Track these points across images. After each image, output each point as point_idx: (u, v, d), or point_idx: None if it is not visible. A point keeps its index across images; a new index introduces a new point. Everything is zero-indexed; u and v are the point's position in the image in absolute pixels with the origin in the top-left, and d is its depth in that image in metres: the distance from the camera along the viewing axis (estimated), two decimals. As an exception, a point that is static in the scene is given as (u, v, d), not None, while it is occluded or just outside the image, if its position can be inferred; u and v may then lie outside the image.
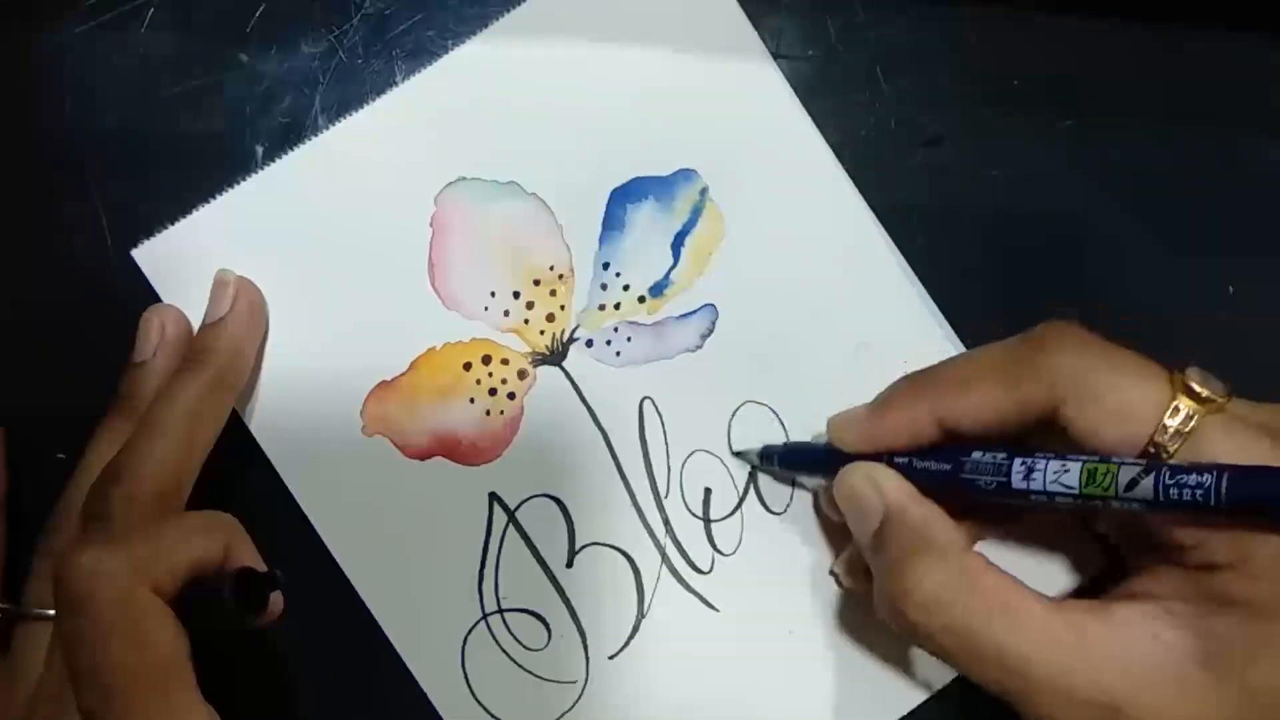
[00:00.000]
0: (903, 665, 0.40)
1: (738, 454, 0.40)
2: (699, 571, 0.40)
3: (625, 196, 0.41)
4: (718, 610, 0.40)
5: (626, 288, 0.41)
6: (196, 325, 0.39)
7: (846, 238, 0.41)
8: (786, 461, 0.40)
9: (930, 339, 0.40)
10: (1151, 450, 0.32)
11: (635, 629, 0.40)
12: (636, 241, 0.41)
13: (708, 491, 0.40)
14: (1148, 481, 0.30)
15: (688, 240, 0.41)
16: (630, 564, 0.40)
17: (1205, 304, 0.41)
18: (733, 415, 0.40)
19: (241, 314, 0.39)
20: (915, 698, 0.40)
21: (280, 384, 0.40)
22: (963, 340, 0.40)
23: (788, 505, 0.40)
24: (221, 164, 0.41)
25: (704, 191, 0.41)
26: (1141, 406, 0.32)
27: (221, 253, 0.40)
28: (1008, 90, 0.41)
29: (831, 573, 0.40)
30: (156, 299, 0.40)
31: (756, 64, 0.41)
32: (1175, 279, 0.41)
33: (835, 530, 0.40)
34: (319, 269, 0.40)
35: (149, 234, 0.40)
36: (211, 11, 0.41)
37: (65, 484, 0.38)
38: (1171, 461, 0.31)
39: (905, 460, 0.35)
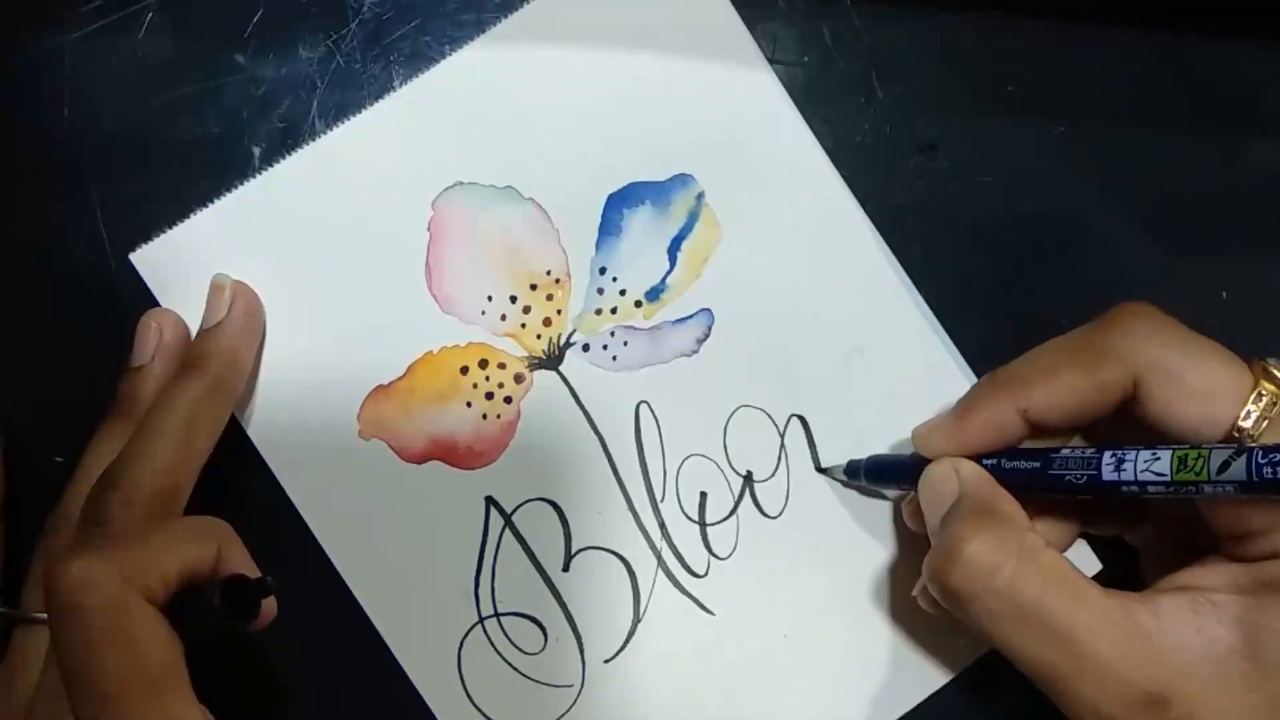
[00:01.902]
0: (897, 669, 0.40)
1: (822, 470, 0.40)
2: (695, 575, 0.40)
3: (622, 201, 0.41)
4: (713, 614, 0.40)
5: (623, 292, 0.41)
6: (194, 329, 0.40)
7: (842, 242, 0.41)
8: (873, 475, 0.39)
9: (925, 343, 0.41)
10: (1235, 435, 0.32)
11: (631, 633, 0.40)
12: (633, 246, 0.41)
13: (703, 496, 0.40)
14: (1240, 463, 0.30)
15: (684, 245, 0.41)
16: (626, 568, 0.40)
17: (1201, 307, 0.41)
18: (728, 419, 0.41)
19: (239, 319, 0.39)
20: (909, 701, 0.40)
21: (277, 388, 0.40)
22: (957, 345, 0.40)
23: (783, 510, 0.40)
24: (219, 168, 0.41)
25: (700, 196, 0.41)
26: (1223, 388, 0.32)
27: (219, 257, 0.40)
28: (1002, 95, 0.41)
29: (914, 596, 0.38)
30: (154, 303, 0.40)
31: (752, 69, 0.41)
32: (1170, 282, 0.41)
33: (833, 534, 0.40)
34: (316, 273, 0.40)
35: (147, 238, 0.40)
36: (210, 16, 0.41)
37: (64, 487, 0.38)
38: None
39: (994, 461, 0.35)
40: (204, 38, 0.41)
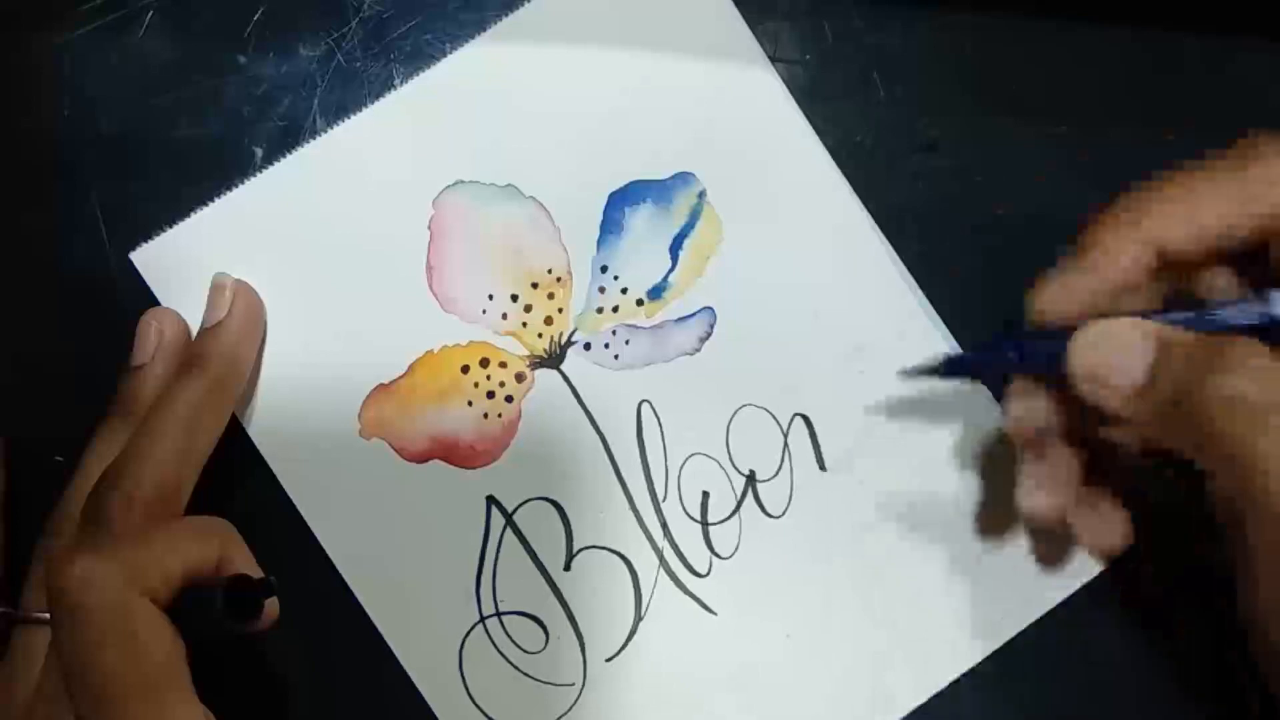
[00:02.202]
0: (899, 669, 0.40)
1: (905, 373, 0.38)
2: (696, 575, 0.40)
3: (623, 200, 0.41)
4: (715, 613, 0.40)
5: (624, 291, 0.41)
6: (195, 328, 0.39)
7: (843, 241, 0.41)
8: (976, 366, 0.36)
9: (926, 341, 0.40)
10: None
11: (633, 632, 0.40)
12: (634, 244, 0.41)
13: (705, 495, 0.40)
14: None
15: (686, 243, 0.41)
16: (628, 567, 0.40)
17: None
18: (731, 418, 0.40)
19: (240, 318, 0.39)
20: (912, 701, 0.40)
21: (278, 387, 0.40)
22: (958, 344, 0.40)
23: (785, 509, 0.40)
24: (220, 167, 0.41)
25: (702, 195, 0.41)
26: None
27: (220, 256, 0.40)
28: (1003, 95, 0.41)
29: (1018, 508, 0.35)
30: (155, 302, 0.40)
31: (754, 68, 0.41)
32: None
33: (836, 534, 0.40)
34: (317, 272, 0.40)
35: (147, 237, 0.40)
36: (210, 15, 0.41)
37: (64, 487, 0.38)
38: None
39: (1191, 314, 0.31)
40: (204, 37, 0.41)
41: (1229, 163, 0.31)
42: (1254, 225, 0.30)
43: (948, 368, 0.37)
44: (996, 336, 0.35)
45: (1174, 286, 0.33)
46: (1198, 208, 0.31)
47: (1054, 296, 0.33)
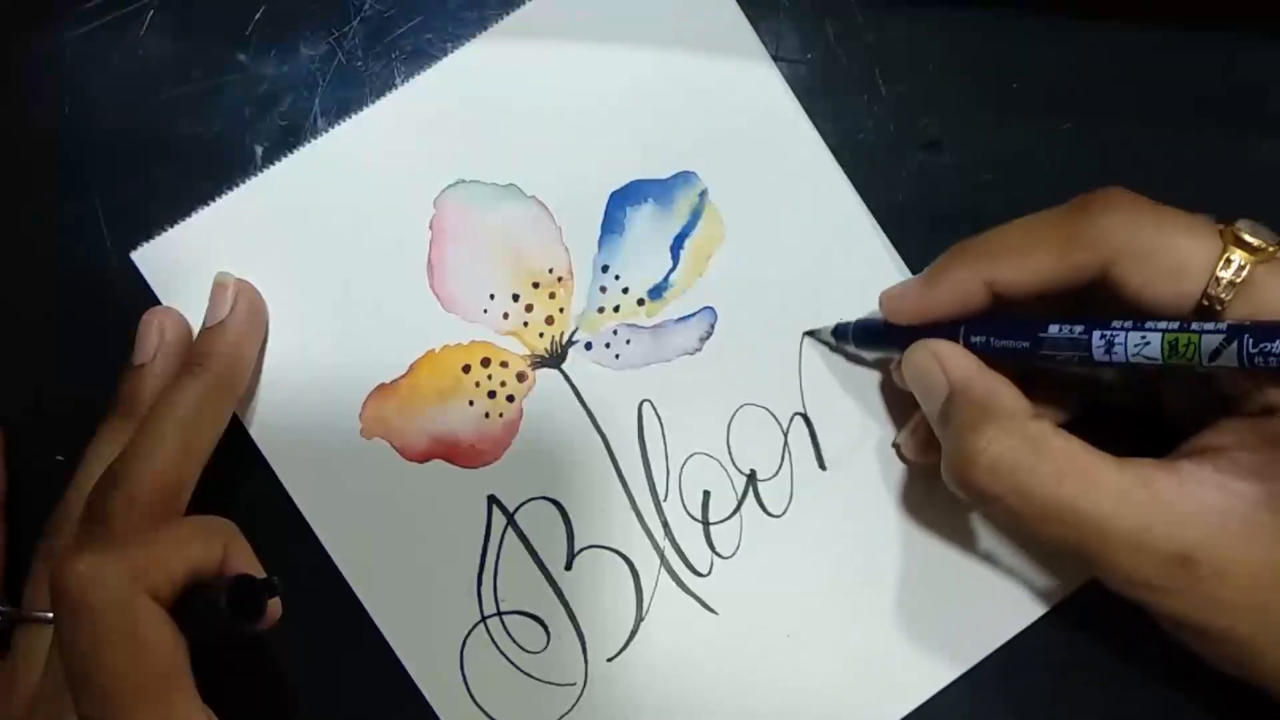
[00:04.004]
0: (901, 668, 0.40)
1: (809, 334, 0.40)
2: (698, 574, 0.40)
3: (624, 199, 0.41)
4: (716, 613, 0.40)
5: (625, 290, 0.41)
6: (196, 328, 0.39)
7: (845, 240, 0.41)
8: (860, 338, 0.39)
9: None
10: (1205, 303, 0.32)
11: (634, 631, 0.40)
12: (636, 244, 0.41)
13: (706, 494, 0.40)
14: (1231, 350, 0.30)
15: (687, 243, 0.41)
16: (629, 567, 0.40)
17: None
18: (732, 418, 0.40)
19: (241, 317, 0.39)
20: (914, 700, 0.40)
21: (279, 386, 0.40)
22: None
23: (786, 508, 0.40)
24: (221, 166, 0.41)
25: (703, 194, 0.41)
26: (1193, 260, 0.33)
27: (221, 255, 0.40)
28: (1006, 93, 0.41)
29: (894, 445, 0.40)
30: (156, 301, 0.40)
31: (756, 66, 0.41)
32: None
33: (837, 533, 0.40)
34: (318, 271, 0.40)
35: (148, 236, 0.40)
36: (211, 14, 0.41)
37: (64, 486, 0.38)
38: (1240, 320, 0.31)
39: (983, 339, 0.36)
40: (205, 36, 0.41)
41: (1060, 215, 0.35)
42: (1072, 274, 0.34)
43: (838, 335, 0.40)
44: (847, 325, 0.40)
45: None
46: (1026, 254, 0.35)
47: (895, 302, 0.38)
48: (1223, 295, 0.32)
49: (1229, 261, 0.32)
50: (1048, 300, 0.35)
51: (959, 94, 0.41)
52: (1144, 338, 0.32)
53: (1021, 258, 0.35)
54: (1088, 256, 0.34)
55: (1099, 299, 0.34)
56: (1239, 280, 0.32)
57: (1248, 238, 0.32)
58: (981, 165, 0.41)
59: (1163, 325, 0.32)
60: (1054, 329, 0.34)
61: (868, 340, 0.39)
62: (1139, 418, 0.38)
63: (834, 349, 0.41)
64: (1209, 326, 0.31)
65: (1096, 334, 0.33)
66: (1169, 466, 0.33)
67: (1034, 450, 0.33)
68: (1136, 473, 0.33)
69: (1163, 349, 0.32)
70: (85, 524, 0.34)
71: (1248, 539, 0.32)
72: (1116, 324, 0.33)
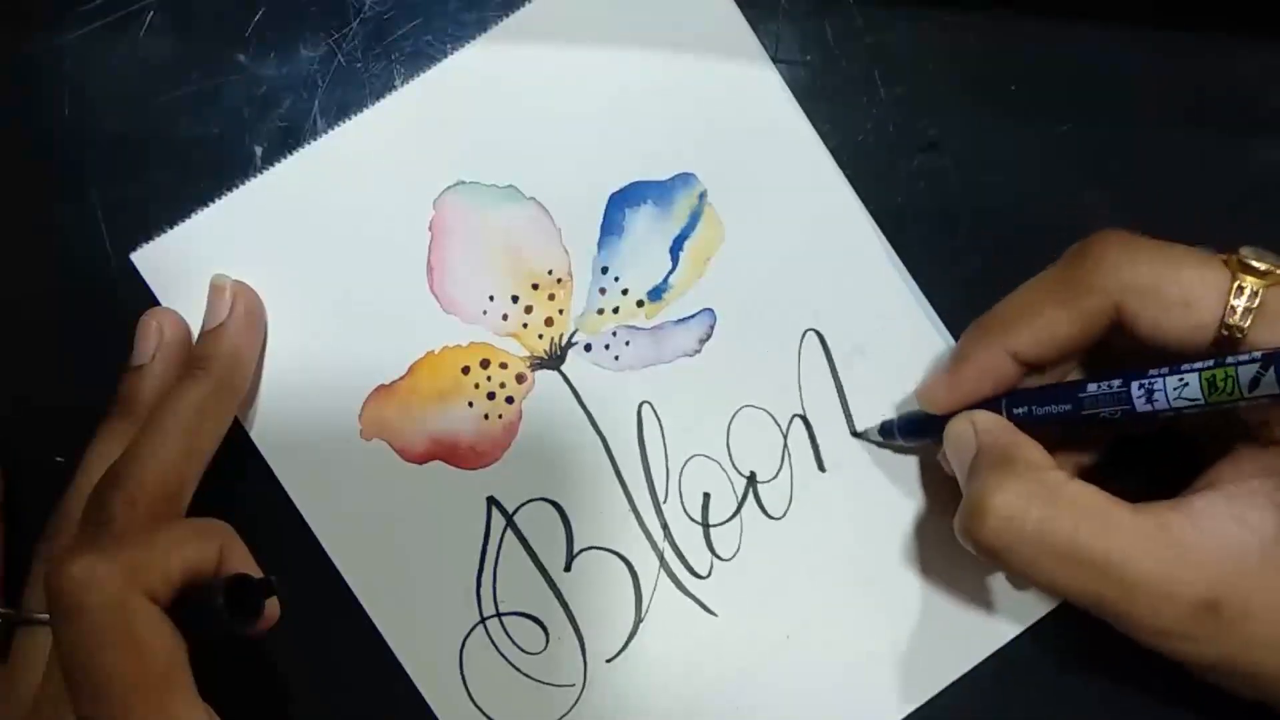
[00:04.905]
0: (900, 670, 0.40)
1: (857, 434, 0.41)
2: (697, 576, 0.40)
3: (624, 200, 0.41)
4: (716, 615, 0.40)
5: (625, 292, 0.41)
6: (195, 329, 0.39)
7: (844, 242, 0.41)
8: (906, 432, 0.39)
9: (927, 343, 0.41)
10: (1224, 333, 0.32)
11: (633, 633, 0.40)
12: (635, 245, 0.41)
13: (706, 496, 0.40)
14: (1270, 376, 0.30)
15: (686, 244, 0.41)
16: (628, 568, 0.40)
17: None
18: (731, 420, 0.40)
19: (241, 319, 0.39)
20: (913, 702, 0.40)
21: (278, 388, 0.40)
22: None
23: (786, 511, 0.40)
24: (220, 167, 0.41)
25: (702, 196, 0.41)
26: (1203, 292, 0.32)
27: (220, 256, 0.40)
28: (1005, 95, 0.41)
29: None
30: (155, 302, 0.40)
31: (755, 68, 0.41)
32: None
33: (837, 535, 0.40)
34: (318, 272, 0.40)
35: (148, 237, 0.40)
36: (211, 15, 0.41)
37: (64, 487, 0.38)
38: (1267, 346, 0.31)
39: (1025, 409, 0.35)
40: (204, 37, 0.41)
41: (1060, 267, 0.35)
42: (1085, 323, 0.34)
43: (885, 433, 0.40)
44: (892, 422, 0.40)
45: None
46: (1035, 317, 0.35)
47: (930, 394, 0.37)
48: (1241, 324, 0.32)
49: (1241, 289, 0.32)
50: (1082, 365, 0.35)
51: (958, 95, 0.41)
52: (1182, 380, 0.32)
53: (1034, 319, 0.35)
54: (1095, 301, 0.33)
55: (1135, 358, 0.34)
56: (1254, 306, 0.32)
57: (1254, 263, 0.32)
58: (980, 166, 0.41)
59: (1198, 365, 0.31)
60: (1092, 387, 0.34)
61: (913, 432, 0.39)
62: (1154, 443, 0.38)
63: (882, 445, 0.40)
64: (1243, 357, 0.31)
65: (1135, 385, 0.33)
66: (1182, 507, 0.32)
67: (1049, 497, 0.32)
68: (1153, 517, 0.32)
69: (1203, 388, 0.31)
70: (85, 525, 0.34)
71: (1267, 573, 0.31)
72: (1153, 372, 0.32)
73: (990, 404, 0.36)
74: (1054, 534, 0.32)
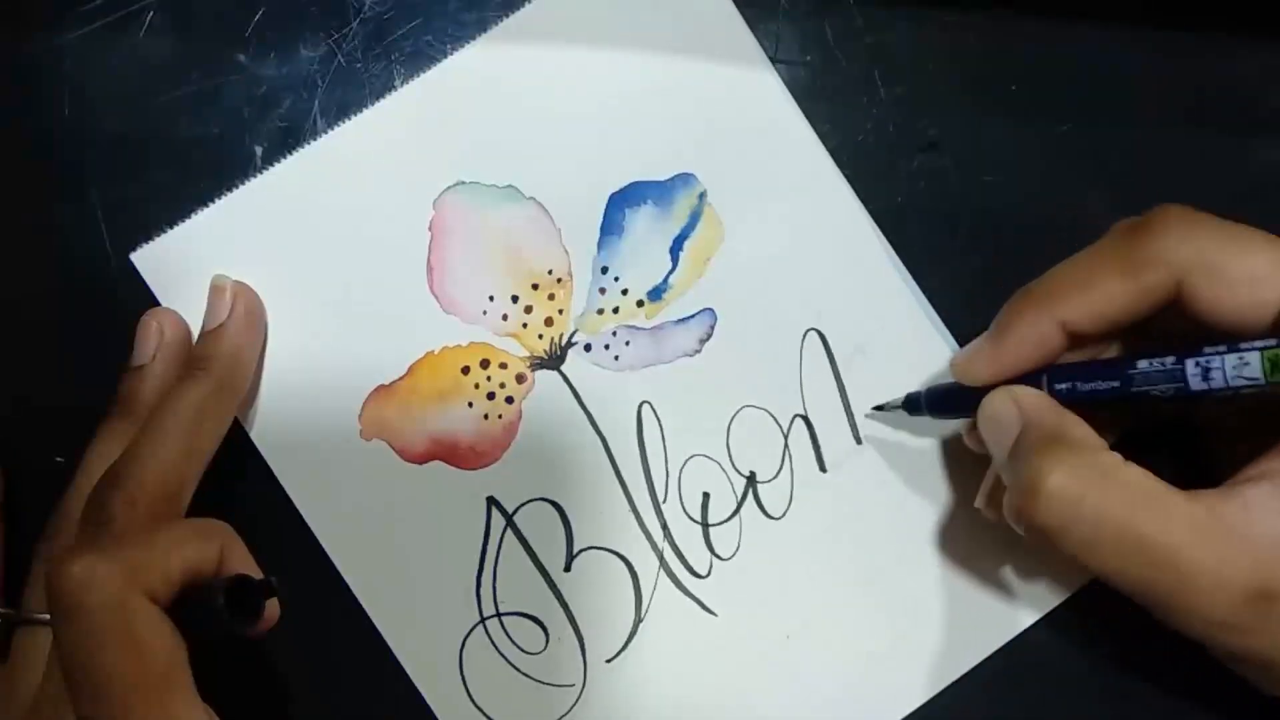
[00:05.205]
0: (900, 671, 0.40)
1: (877, 408, 0.40)
2: (697, 576, 0.40)
3: (624, 201, 0.41)
4: (715, 615, 0.40)
5: (625, 292, 0.41)
6: (195, 329, 0.39)
7: (844, 242, 0.41)
8: (934, 406, 0.38)
9: (927, 342, 0.41)
10: None
11: (633, 633, 0.40)
12: (635, 246, 0.41)
13: (706, 496, 0.40)
14: None
15: (686, 244, 0.41)
16: (628, 568, 0.40)
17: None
18: (731, 420, 0.40)
19: (241, 320, 0.39)
20: (913, 702, 0.40)
21: (278, 388, 0.40)
22: (959, 344, 0.40)
23: (786, 511, 0.40)
24: (220, 167, 0.41)
25: (702, 196, 0.41)
26: (1268, 271, 0.32)
27: (220, 256, 0.40)
28: (1005, 94, 0.41)
29: (975, 508, 0.38)
30: (155, 302, 0.40)
31: (754, 69, 0.41)
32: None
33: (837, 535, 0.40)
34: (317, 272, 0.40)
35: (148, 237, 0.40)
36: (211, 15, 0.41)
37: (64, 487, 0.38)
38: None
39: (1068, 385, 0.34)
40: (204, 37, 0.41)
41: (1120, 239, 0.34)
42: (1142, 298, 0.33)
43: (910, 407, 0.39)
44: (918, 395, 0.39)
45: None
46: (1091, 288, 0.34)
47: (967, 364, 0.36)
48: None
49: None
50: (1122, 344, 0.34)
51: (958, 95, 0.41)
52: (1242, 359, 0.31)
53: (1088, 290, 0.34)
54: (1157, 277, 0.33)
55: (1173, 339, 0.33)
56: None
57: None
58: (980, 167, 0.41)
59: (1259, 343, 0.31)
60: (1143, 364, 0.33)
61: (942, 407, 0.38)
62: (1172, 433, 0.38)
63: (898, 426, 0.40)
64: None
65: (1190, 362, 0.32)
66: (1234, 495, 0.32)
67: (1103, 479, 0.32)
68: (1205, 504, 0.32)
69: (1263, 368, 0.30)
70: (85, 525, 0.34)
71: None
72: (1209, 350, 0.32)
73: (1030, 379, 0.35)
74: (1111, 518, 0.31)
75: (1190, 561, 0.31)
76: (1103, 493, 0.32)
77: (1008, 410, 0.34)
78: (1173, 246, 0.33)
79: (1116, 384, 0.33)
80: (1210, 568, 0.31)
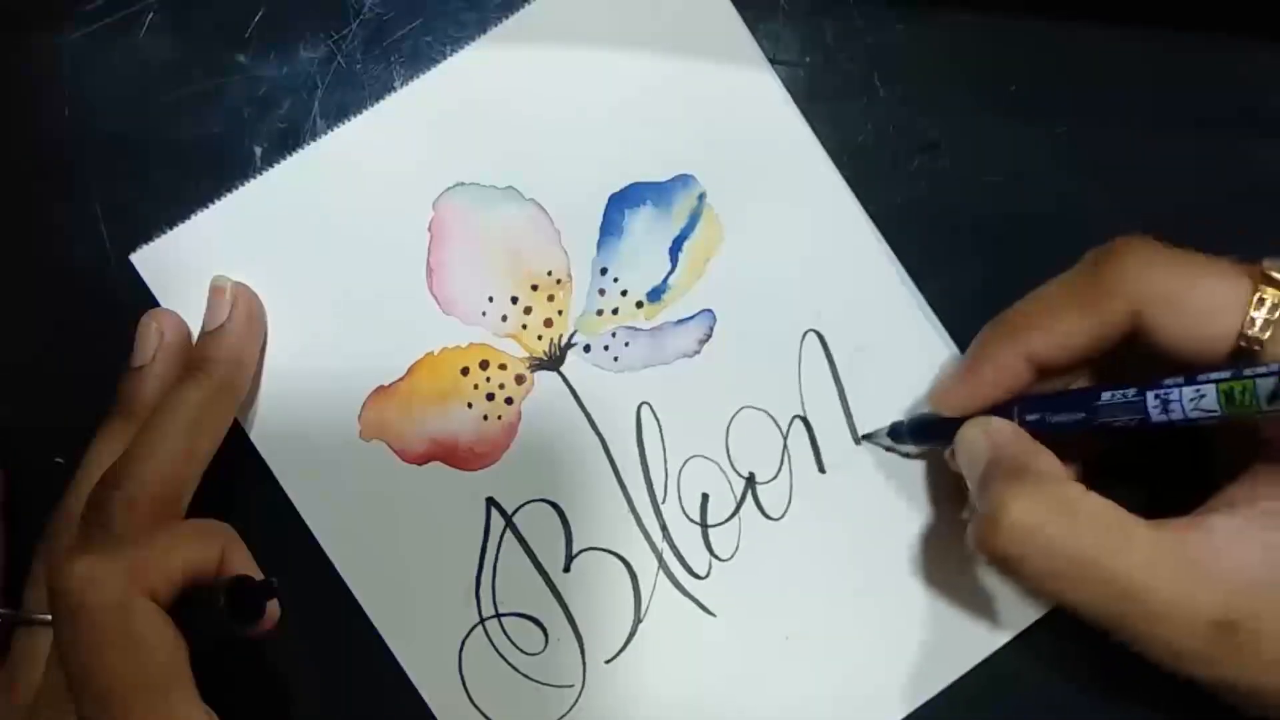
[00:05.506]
0: (899, 672, 0.40)
1: (866, 437, 0.40)
2: (696, 577, 0.40)
3: (623, 202, 0.41)
4: (714, 615, 0.40)
5: (624, 293, 0.41)
6: (195, 330, 0.40)
7: (843, 243, 0.41)
8: (916, 435, 0.39)
9: (926, 343, 0.41)
10: (1243, 344, 0.32)
11: (632, 634, 0.40)
12: (634, 247, 0.41)
13: (705, 497, 0.40)
14: None
15: (685, 246, 0.41)
16: (627, 569, 0.40)
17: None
18: (730, 421, 0.40)
19: (241, 321, 0.39)
20: (912, 703, 0.40)
21: (278, 389, 0.40)
22: (958, 345, 0.40)
23: (785, 511, 0.40)
24: (220, 168, 0.41)
25: (701, 197, 0.41)
26: (1224, 301, 0.32)
27: (220, 257, 0.40)
28: (1004, 95, 0.41)
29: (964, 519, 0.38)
30: (155, 303, 0.40)
31: (754, 70, 0.41)
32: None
33: (836, 536, 0.40)
34: (317, 273, 0.40)
35: (148, 238, 0.40)
36: (211, 16, 0.41)
37: (64, 487, 0.38)
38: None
39: (1037, 416, 0.35)
40: (204, 37, 0.41)
41: (1081, 271, 0.34)
42: (1103, 329, 0.34)
43: (894, 435, 0.40)
44: (901, 424, 0.40)
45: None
46: (1053, 320, 0.34)
47: (942, 396, 0.37)
48: (1260, 335, 0.32)
49: (1261, 301, 0.32)
50: (1093, 370, 0.35)
51: (957, 96, 0.41)
52: (1198, 391, 0.31)
53: (1052, 322, 0.34)
54: (1115, 306, 0.33)
55: (1145, 365, 0.33)
56: (1274, 319, 0.32)
57: (1277, 275, 0.32)
58: (980, 168, 0.41)
59: (1215, 375, 0.31)
60: (1107, 396, 0.33)
61: (923, 436, 0.39)
62: (1162, 448, 0.38)
63: (890, 450, 0.40)
64: (1261, 370, 0.30)
65: (1150, 395, 0.32)
66: (1200, 525, 0.32)
67: (1063, 510, 0.32)
68: (1170, 535, 0.32)
69: (1219, 400, 0.31)
70: (85, 525, 0.34)
71: None
72: (1169, 382, 0.32)
73: (1001, 409, 0.36)
74: (1071, 549, 0.32)
75: (1151, 591, 0.31)
76: (1062, 523, 0.32)
77: (979, 441, 0.35)
78: (1130, 279, 0.33)
79: (1082, 415, 0.34)
80: (1172, 598, 0.31)
